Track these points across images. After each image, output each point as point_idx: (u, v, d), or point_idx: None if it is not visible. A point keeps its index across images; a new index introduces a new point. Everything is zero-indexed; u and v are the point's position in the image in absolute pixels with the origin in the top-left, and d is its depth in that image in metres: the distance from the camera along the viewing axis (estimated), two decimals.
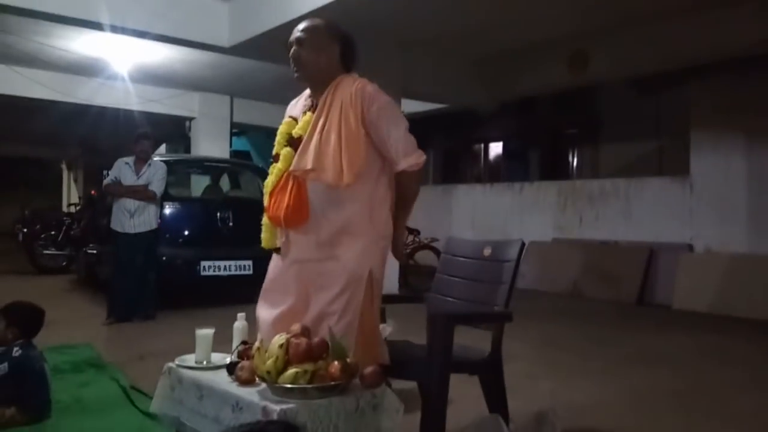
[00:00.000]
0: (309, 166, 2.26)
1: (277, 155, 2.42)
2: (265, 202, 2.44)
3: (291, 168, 2.32)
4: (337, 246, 2.29)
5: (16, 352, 2.97)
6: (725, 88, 7.56)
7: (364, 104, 2.28)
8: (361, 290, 2.26)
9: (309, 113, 2.38)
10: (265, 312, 2.39)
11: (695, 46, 7.00)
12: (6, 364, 2.93)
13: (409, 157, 2.34)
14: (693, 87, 8.01)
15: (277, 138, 2.45)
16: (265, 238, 2.46)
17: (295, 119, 2.45)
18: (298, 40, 2.38)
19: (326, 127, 2.28)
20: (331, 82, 2.36)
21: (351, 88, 2.31)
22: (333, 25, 2.45)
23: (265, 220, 2.45)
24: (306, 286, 2.33)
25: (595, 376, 4.23)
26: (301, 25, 2.42)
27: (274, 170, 2.41)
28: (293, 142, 2.37)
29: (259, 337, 2.31)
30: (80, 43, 8.20)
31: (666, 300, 7.50)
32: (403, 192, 2.43)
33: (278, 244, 2.42)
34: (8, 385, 2.90)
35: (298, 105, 2.53)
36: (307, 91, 2.50)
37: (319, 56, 2.36)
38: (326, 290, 2.28)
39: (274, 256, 2.46)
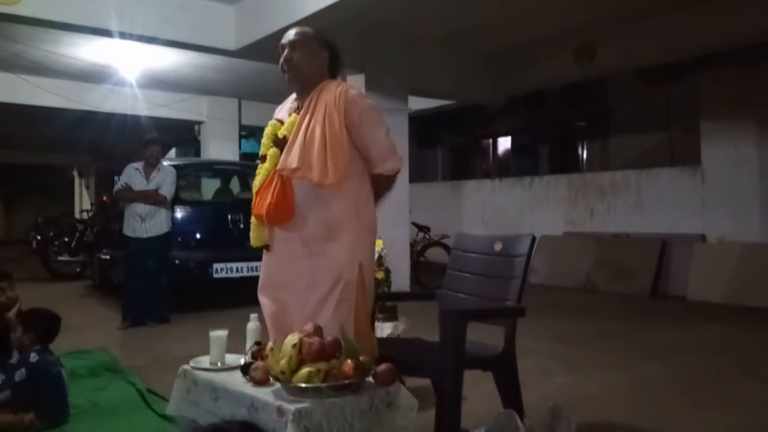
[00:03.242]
0: (295, 164, 2.31)
1: (264, 156, 2.48)
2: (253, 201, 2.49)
3: (278, 167, 2.36)
4: (326, 242, 2.34)
5: (34, 357, 3.00)
6: (734, 77, 7.50)
7: (347, 107, 2.35)
8: (353, 286, 2.31)
9: (294, 114, 2.46)
10: (264, 310, 2.46)
11: (703, 35, 6.95)
12: (24, 370, 2.97)
13: (387, 162, 2.43)
14: (702, 77, 7.95)
15: (263, 140, 2.52)
16: (254, 237, 2.51)
17: (281, 121, 2.52)
18: (292, 43, 2.44)
19: (311, 127, 2.35)
20: (317, 86, 2.43)
21: (335, 91, 2.38)
22: (322, 33, 2.53)
23: (253, 219, 2.50)
24: (297, 283, 2.37)
25: (609, 369, 4.21)
26: (293, 31, 2.49)
27: (262, 170, 2.46)
28: (279, 143, 2.43)
29: (271, 336, 2.34)
30: (88, 51, 8.26)
31: (680, 291, 7.46)
32: (376, 191, 2.51)
33: (267, 241, 2.47)
34: (26, 390, 2.93)
35: (284, 108, 2.60)
36: (293, 96, 2.57)
37: (312, 60, 2.44)
38: (317, 287, 2.32)
39: (265, 254, 2.52)
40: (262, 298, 2.49)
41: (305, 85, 2.45)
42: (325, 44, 2.49)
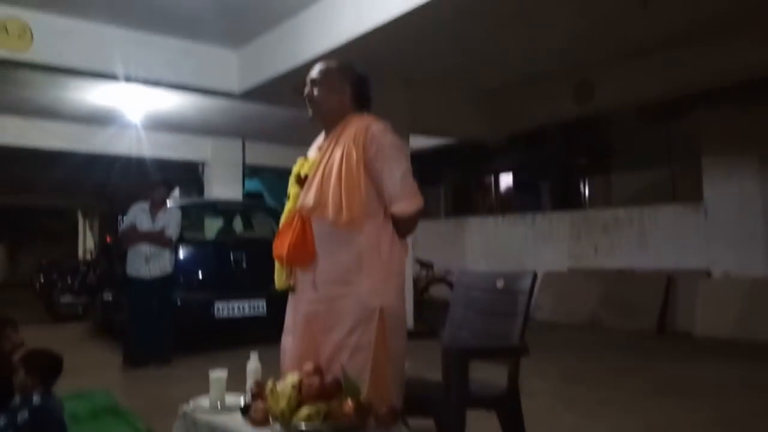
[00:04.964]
0: (311, 203, 2.28)
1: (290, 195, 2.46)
2: None
3: (297, 206, 2.35)
4: (347, 285, 2.27)
5: (36, 400, 2.98)
6: (734, 113, 7.56)
7: (366, 143, 2.29)
8: (372, 329, 2.21)
9: (319, 152, 2.43)
10: (286, 355, 2.40)
11: (702, 72, 7.01)
12: (26, 412, 2.94)
13: (401, 203, 2.31)
14: (702, 113, 8.01)
15: (290, 179, 2.49)
16: (278, 278, 2.45)
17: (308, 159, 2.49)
18: (312, 80, 2.44)
19: (328, 165, 2.31)
20: (341, 121, 2.40)
21: (357, 126, 2.34)
22: (346, 67, 2.49)
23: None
24: (317, 326, 2.31)
25: (617, 408, 4.15)
26: (317, 66, 2.49)
27: (286, 210, 2.44)
28: (301, 182, 2.40)
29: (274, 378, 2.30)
30: (95, 94, 8.38)
31: (687, 327, 7.38)
32: (396, 231, 2.39)
33: (290, 283, 2.42)
34: None
35: (314, 146, 2.56)
36: (323, 133, 2.53)
37: (331, 96, 2.41)
38: (336, 330, 2.25)
39: (290, 296, 2.46)
40: (285, 341, 2.42)
41: (328, 122, 2.43)
42: (347, 78, 2.44)
